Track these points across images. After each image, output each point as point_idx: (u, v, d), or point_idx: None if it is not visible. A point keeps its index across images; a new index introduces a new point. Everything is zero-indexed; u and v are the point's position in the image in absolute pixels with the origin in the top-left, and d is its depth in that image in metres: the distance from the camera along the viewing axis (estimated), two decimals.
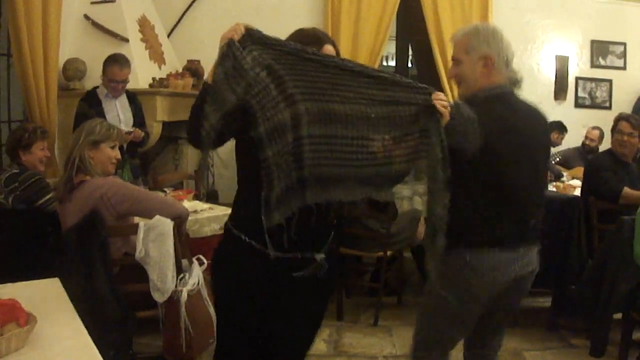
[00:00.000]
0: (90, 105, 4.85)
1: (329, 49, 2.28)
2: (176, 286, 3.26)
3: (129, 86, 5.51)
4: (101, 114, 4.69)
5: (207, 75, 2.06)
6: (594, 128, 7.05)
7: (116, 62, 4.96)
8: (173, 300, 3.24)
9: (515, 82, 2.74)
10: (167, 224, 3.30)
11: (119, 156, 3.57)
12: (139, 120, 5.17)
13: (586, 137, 7.06)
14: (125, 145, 4.73)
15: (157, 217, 3.31)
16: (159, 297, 3.24)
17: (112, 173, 3.49)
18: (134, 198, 3.35)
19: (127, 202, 3.32)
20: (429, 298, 2.69)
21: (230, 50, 1.98)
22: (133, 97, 5.25)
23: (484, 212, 2.46)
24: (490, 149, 2.32)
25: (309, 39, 2.28)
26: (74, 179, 3.35)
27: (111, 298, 3.13)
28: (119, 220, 3.37)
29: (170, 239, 3.27)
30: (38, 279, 2.46)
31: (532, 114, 2.65)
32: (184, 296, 3.23)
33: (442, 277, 2.49)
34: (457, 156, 2.24)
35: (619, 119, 4.67)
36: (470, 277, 2.48)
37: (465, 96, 2.55)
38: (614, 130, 4.68)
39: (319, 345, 4.20)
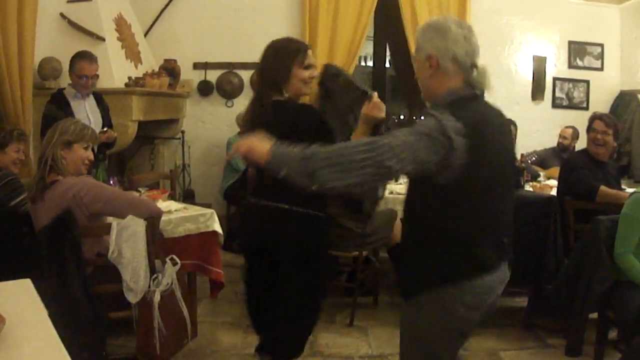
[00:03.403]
0: (58, 107, 4.71)
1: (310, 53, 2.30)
2: (149, 287, 3.23)
3: (104, 84, 5.46)
4: (70, 116, 4.55)
5: None
6: (568, 127, 7.09)
7: (84, 57, 4.86)
8: (146, 301, 3.21)
9: (477, 84, 2.27)
10: (140, 224, 3.27)
11: (92, 157, 3.53)
12: (107, 122, 5.04)
13: (560, 136, 7.10)
14: (95, 147, 4.66)
15: (130, 216, 3.27)
16: (132, 298, 3.21)
17: (84, 174, 3.45)
18: (106, 197, 3.32)
19: (99, 201, 3.29)
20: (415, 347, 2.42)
21: None
22: (100, 98, 5.11)
23: (462, 242, 2.20)
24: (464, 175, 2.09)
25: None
26: (47, 178, 3.32)
27: (84, 299, 3.10)
28: (92, 220, 3.33)
29: (143, 239, 3.24)
30: (11, 280, 2.43)
31: (500, 124, 2.34)
32: (157, 297, 3.21)
33: (428, 320, 2.31)
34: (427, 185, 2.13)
35: (594, 118, 4.71)
36: (462, 311, 2.24)
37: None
38: (588, 129, 4.71)
39: None
